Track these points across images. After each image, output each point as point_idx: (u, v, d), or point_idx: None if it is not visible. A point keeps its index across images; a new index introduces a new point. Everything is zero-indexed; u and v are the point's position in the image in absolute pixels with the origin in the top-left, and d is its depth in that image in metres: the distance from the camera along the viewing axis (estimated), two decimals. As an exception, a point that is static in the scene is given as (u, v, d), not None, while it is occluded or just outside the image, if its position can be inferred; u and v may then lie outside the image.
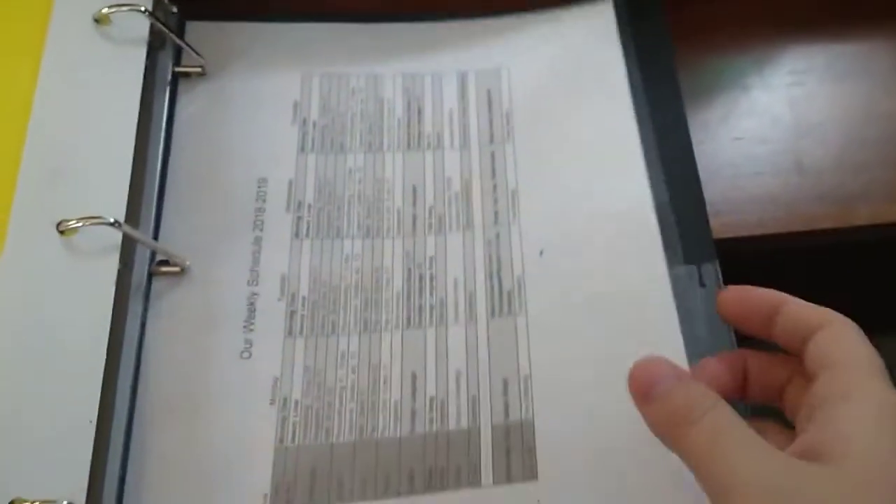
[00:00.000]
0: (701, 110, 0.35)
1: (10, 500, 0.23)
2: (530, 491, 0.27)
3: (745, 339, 0.29)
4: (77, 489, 0.23)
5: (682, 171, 0.32)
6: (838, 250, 0.35)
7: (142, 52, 0.32)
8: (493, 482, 0.27)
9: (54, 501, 0.23)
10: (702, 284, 0.30)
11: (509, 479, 0.27)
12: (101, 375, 0.25)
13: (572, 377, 0.28)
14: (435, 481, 0.27)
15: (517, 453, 0.27)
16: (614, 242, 0.31)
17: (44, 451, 0.24)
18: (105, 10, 0.31)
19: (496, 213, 0.32)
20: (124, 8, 0.31)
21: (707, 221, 0.31)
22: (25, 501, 0.23)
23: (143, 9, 0.32)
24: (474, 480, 0.27)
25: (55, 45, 0.30)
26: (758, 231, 0.32)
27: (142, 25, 0.32)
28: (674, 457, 0.21)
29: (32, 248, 0.26)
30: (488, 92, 0.35)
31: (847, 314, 0.22)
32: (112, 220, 0.27)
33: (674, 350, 0.29)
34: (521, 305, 0.30)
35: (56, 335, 0.26)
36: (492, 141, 0.34)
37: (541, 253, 0.31)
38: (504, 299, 0.30)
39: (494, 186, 0.32)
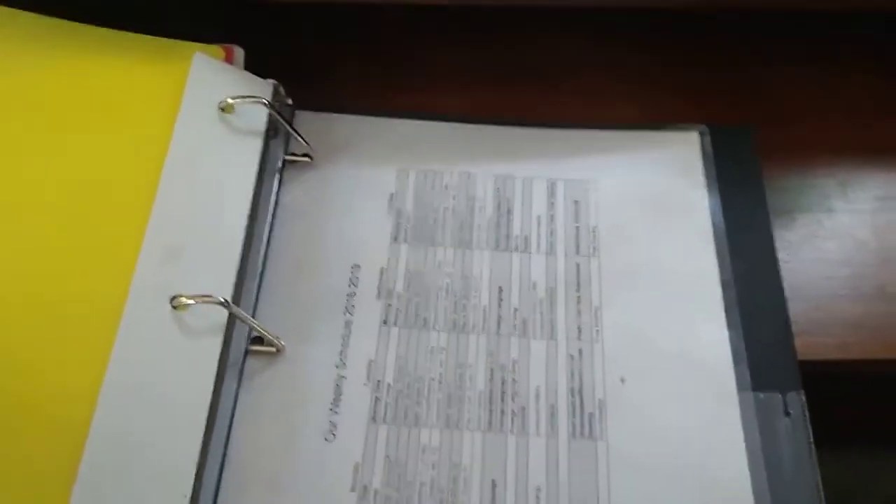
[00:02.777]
0: (784, 229, 0.36)
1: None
2: None
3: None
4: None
5: (767, 301, 0.33)
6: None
7: (259, 141, 0.34)
8: None
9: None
10: (787, 413, 0.30)
11: None
12: (199, 449, 0.26)
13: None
14: None
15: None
16: (692, 377, 0.31)
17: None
18: (230, 100, 0.34)
19: (579, 329, 0.33)
20: (248, 99, 0.34)
21: (794, 352, 0.31)
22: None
23: (264, 101, 0.34)
24: None
25: (183, 129, 0.32)
26: (840, 355, 0.32)
27: (261, 115, 0.34)
28: None
29: (147, 319, 0.28)
30: (576, 203, 0.36)
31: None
32: (222, 300, 0.29)
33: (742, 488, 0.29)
34: (602, 431, 0.30)
35: (160, 407, 0.27)
36: (577, 252, 0.35)
37: (622, 380, 0.31)
38: (585, 421, 0.30)
39: (578, 299, 0.33)
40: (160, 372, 0.27)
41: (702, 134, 0.38)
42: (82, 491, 0.25)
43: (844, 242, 0.36)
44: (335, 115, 0.38)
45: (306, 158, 0.36)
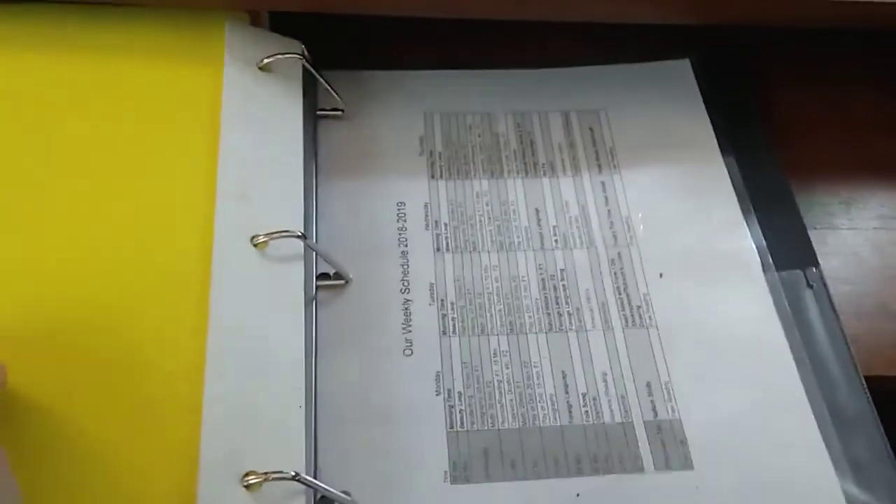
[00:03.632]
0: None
1: (244, 472, 0.25)
2: (688, 478, 0.30)
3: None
4: (297, 462, 0.26)
5: (776, 191, 0.37)
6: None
7: (299, 91, 0.36)
8: (654, 469, 0.30)
9: (280, 472, 0.26)
10: (809, 286, 0.34)
11: (668, 467, 0.30)
12: (304, 380, 0.28)
13: (709, 380, 0.32)
14: (600, 465, 0.30)
15: (672, 445, 0.30)
16: (721, 264, 0.35)
17: (267, 432, 0.27)
18: (266, 59, 0.35)
19: (615, 236, 0.36)
20: (285, 56, 0.36)
21: (806, 233, 0.35)
22: (255, 473, 0.25)
23: (299, 54, 0.36)
24: (636, 466, 0.30)
25: (230, 89, 0.33)
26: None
27: (296, 69, 0.36)
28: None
29: (233, 259, 0.30)
30: (591, 130, 0.39)
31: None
32: (299, 233, 0.31)
33: (784, 358, 0.32)
34: (651, 319, 0.33)
35: (263, 336, 0.29)
36: (600, 172, 0.38)
37: (661, 275, 0.34)
38: (635, 313, 0.34)
39: (609, 212, 0.37)
40: (253, 304, 0.29)
41: (692, 61, 0.42)
42: (209, 431, 0.26)
43: (847, 260, 0.36)
44: (358, 72, 0.40)
45: (337, 112, 0.38)
